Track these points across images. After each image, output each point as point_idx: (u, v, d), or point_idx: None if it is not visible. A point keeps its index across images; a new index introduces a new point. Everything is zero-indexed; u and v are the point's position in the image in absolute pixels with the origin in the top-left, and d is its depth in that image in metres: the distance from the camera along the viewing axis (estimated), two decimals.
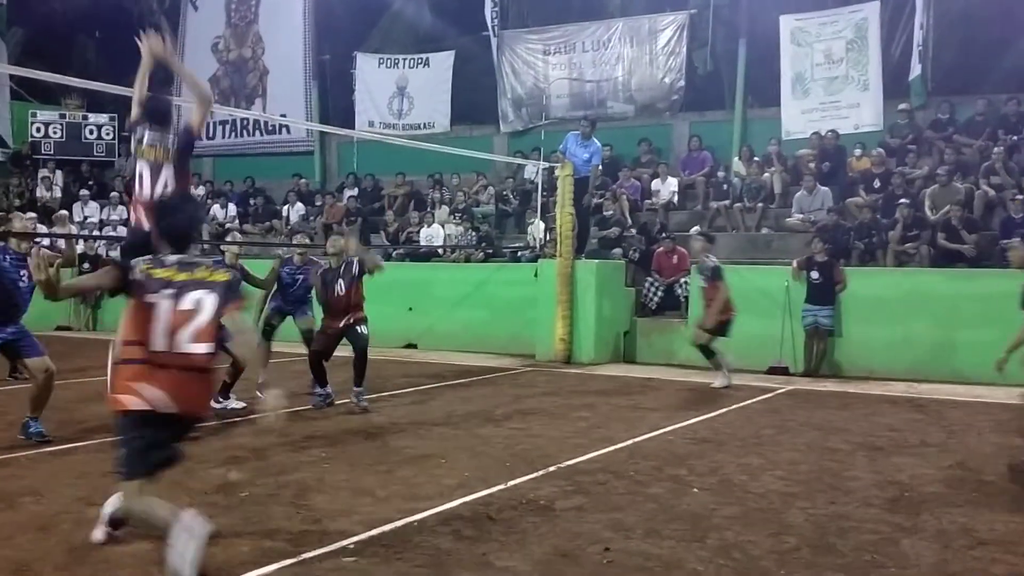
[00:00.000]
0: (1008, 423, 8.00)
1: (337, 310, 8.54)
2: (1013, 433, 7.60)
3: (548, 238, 13.16)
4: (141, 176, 5.72)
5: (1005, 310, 10.26)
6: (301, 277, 9.20)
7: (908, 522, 5.01)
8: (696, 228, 12.80)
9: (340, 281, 8.53)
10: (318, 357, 8.57)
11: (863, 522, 5.00)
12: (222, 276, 3.94)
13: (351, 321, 8.54)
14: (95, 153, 20.32)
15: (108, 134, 20.25)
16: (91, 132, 20.25)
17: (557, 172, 12.41)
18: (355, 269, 8.54)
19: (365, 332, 8.59)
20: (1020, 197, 11.51)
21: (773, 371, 11.16)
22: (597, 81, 16.93)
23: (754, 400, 9.28)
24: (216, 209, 17.82)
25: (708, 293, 10.27)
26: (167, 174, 5.72)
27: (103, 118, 20.21)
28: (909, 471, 6.21)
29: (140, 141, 5.75)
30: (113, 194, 18.46)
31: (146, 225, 5.33)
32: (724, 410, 8.65)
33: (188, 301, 3.80)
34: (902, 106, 13.99)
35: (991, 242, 11.66)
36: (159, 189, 5.66)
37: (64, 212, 9.96)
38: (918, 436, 7.44)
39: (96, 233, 17.26)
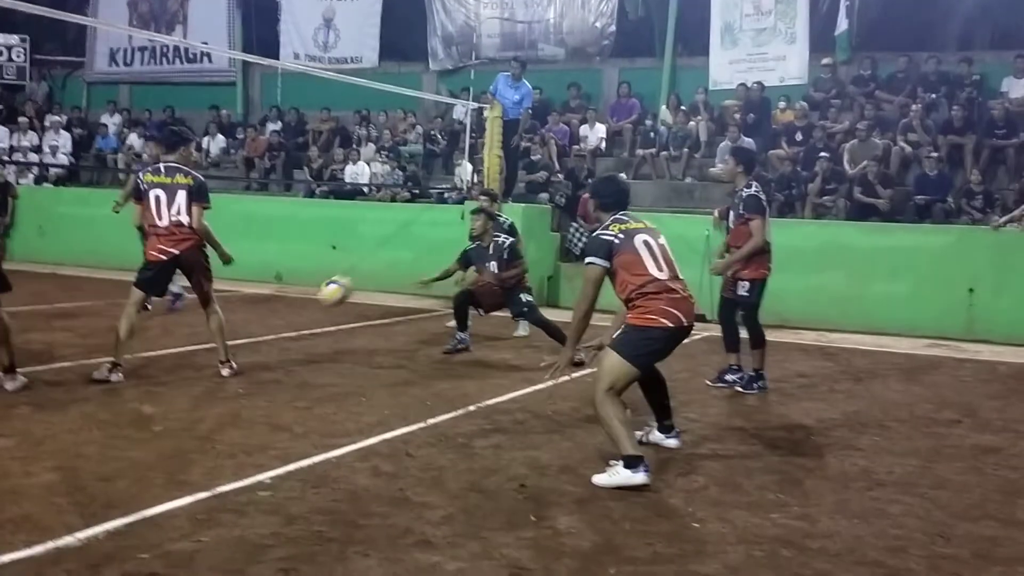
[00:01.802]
0: (911, 372, 8.35)
1: (490, 293, 8.28)
2: (915, 382, 7.94)
3: (475, 180, 13.08)
4: None
5: (914, 264, 10.72)
6: None
7: (812, 463, 5.21)
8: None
9: (491, 263, 8.26)
10: (462, 299, 8.29)
11: (769, 463, 5.18)
12: None
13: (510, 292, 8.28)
14: (4, 76, 19.31)
15: (19, 56, 19.21)
16: (0, 53, 19.28)
17: (486, 113, 12.29)
18: (506, 252, 8.26)
19: (526, 298, 8.31)
20: (935, 155, 11.84)
21: None
22: (528, 22, 16.73)
23: None
24: (133, 138, 17.24)
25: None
26: None
27: (13, 39, 19.13)
28: (816, 415, 6.44)
29: None
30: (22, 119, 17.70)
31: None
32: None
33: None
34: (825, 60, 14.18)
35: (905, 198, 12.01)
36: None
37: None
38: (827, 383, 7.70)
39: (4, 159, 16.56)
